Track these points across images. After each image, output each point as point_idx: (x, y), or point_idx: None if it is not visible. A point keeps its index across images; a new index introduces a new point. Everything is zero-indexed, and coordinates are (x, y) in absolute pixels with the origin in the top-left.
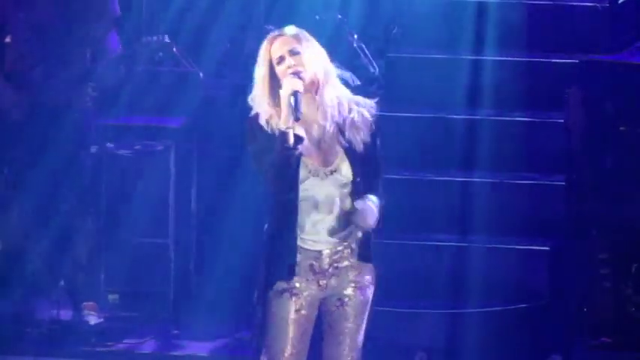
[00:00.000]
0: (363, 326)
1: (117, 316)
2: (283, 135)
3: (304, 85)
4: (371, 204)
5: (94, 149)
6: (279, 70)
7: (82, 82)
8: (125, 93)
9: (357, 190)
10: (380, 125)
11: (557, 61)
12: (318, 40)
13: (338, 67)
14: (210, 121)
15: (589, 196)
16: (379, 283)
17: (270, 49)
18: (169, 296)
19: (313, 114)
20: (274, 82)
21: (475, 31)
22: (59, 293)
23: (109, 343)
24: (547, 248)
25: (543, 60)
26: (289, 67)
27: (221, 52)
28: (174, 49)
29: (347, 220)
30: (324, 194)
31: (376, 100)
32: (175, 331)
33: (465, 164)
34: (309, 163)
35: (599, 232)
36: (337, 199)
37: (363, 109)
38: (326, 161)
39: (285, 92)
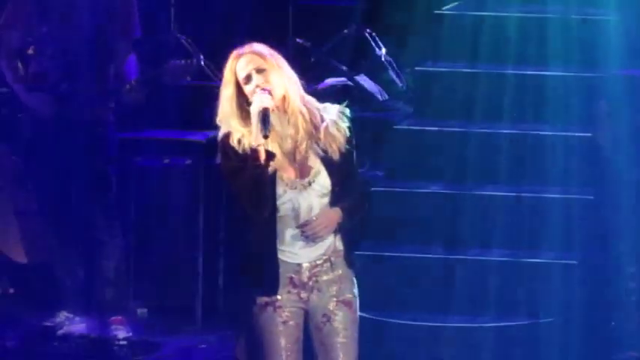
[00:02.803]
0: (356, 339)
1: (145, 331)
2: (254, 152)
3: (274, 102)
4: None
5: (121, 163)
6: (246, 89)
7: (106, 100)
8: (151, 107)
9: (337, 199)
10: (356, 130)
11: (585, 74)
12: (347, 55)
13: (366, 80)
14: None
15: (617, 210)
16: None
17: (235, 68)
18: (197, 311)
19: (285, 128)
20: (242, 100)
21: (502, 45)
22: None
23: (138, 358)
24: (575, 262)
25: (571, 74)
26: (257, 86)
27: None
28: (202, 63)
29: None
30: (305, 206)
31: (345, 104)
32: (203, 346)
33: (491, 178)
34: (284, 177)
35: (627, 246)
36: (319, 210)
37: (335, 116)
38: (302, 173)
39: (254, 110)
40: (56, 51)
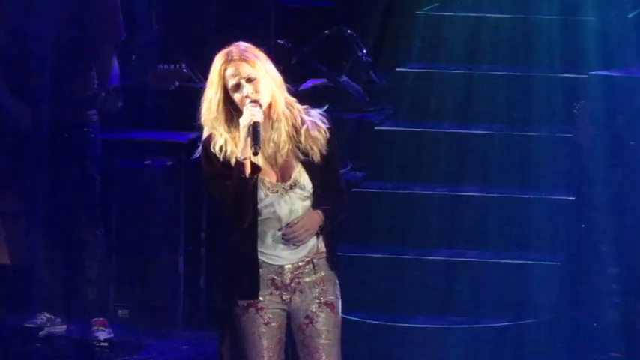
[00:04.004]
0: (339, 340)
1: (127, 332)
2: (240, 165)
3: (262, 111)
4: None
5: (103, 164)
6: (235, 96)
7: (89, 103)
8: (133, 108)
9: (319, 202)
10: (335, 132)
11: (567, 75)
12: (327, 55)
13: (347, 81)
14: None
15: (599, 211)
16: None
17: (224, 74)
18: (179, 312)
19: (268, 133)
20: (228, 104)
21: (485, 45)
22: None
23: (119, 359)
24: (557, 263)
25: (552, 74)
26: (247, 97)
27: None
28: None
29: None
30: (287, 210)
31: (326, 107)
32: (184, 347)
33: (475, 179)
34: (266, 181)
35: (609, 247)
36: (301, 213)
37: (316, 118)
38: (283, 176)
39: (244, 122)
40: (38, 52)
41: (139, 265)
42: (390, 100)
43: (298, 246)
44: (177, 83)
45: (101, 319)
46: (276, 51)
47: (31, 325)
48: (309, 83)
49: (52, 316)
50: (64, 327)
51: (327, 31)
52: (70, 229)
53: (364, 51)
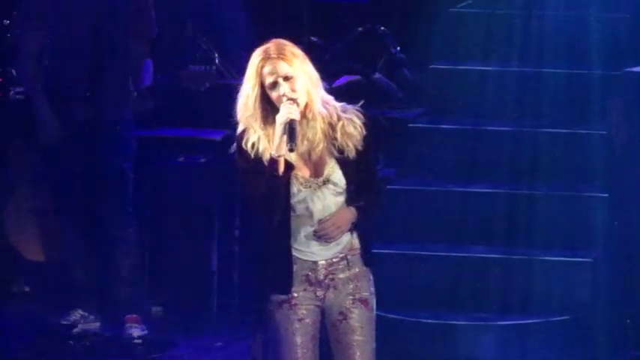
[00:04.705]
0: (373, 337)
1: (160, 329)
2: (274, 162)
3: (299, 110)
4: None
5: (137, 161)
6: (272, 94)
7: (124, 103)
8: (167, 106)
9: (352, 198)
10: (371, 128)
11: (599, 72)
12: (361, 52)
13: (381, 77)
14: None
15: (631, 208)
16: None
17: (262, 72)
18: (213, 309)
19: (302, 130)
20: (265, 104)
21: (516, 43)
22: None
23: (153, 356)
24: (590, 260)
25: (585, 72)
26: (284, 95)
27: None
28: (217, 62)
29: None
30: (320, 205)
31: (361, 103)
32: (218, 344)
33: (507, 176)
34: (299, 175)
35: None
36: (334, 209)
37: (352, 115)
38: (317, 172)
39: (281, 119)
40: (72, 51)
41: (173, 263)
42: (424, 97)
43: (330, 243)
44: (207, 85)
45: (134, 316)
46: (309, 48)
47: (65, 323)
48: (343, 80)
49: (86, 314)
50: (98, 324)
51: (360, 29)
52: (104, 226)
53: (397, 48)
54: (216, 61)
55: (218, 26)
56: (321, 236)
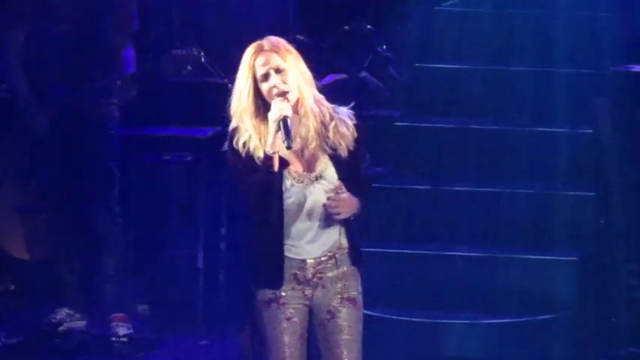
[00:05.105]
0: (360, 335)
1: (146, 327)
2: (268, 159)
3: (291, 106)
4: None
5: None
6: (263, 86)
7: (107, 95)
8: (152, 103)
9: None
10: (362, 129)
11: (586, 71)
12: (347, 51)
13: (367, 76)
14: None
15: (618, 207)
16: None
17: (254, 64)
18: (199, 307)
19: (296, 128)
20: (257, 96)
21: (503, 42)
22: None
23: (139, 355)
24: (575, 259)
25: (572, 70)
26: (275, 87)
27: None
28: (203, 60)
29: (330, 227)
30: (311, 201)
31: (352, 104)
32: (204, 342)
33: (492, 175)
34: (292, 170)
35: (628, 243)
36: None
37: (344, 115)
38: (310, 167)
39: (273, 117)
40: (58, 49)
41: (159, 261)
42: (410, 96)
43: (325, 230)
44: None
45: (120, 314)
46: (295, 46)
47: (51, 321)
48: (330, 79)
49: (72, 312)
50: (84, 322)
51: (346, 27)
52: (90, 225)
53: (384, 46)
54: (202, 59)
55: (204, 24)
56: (332, 209)
